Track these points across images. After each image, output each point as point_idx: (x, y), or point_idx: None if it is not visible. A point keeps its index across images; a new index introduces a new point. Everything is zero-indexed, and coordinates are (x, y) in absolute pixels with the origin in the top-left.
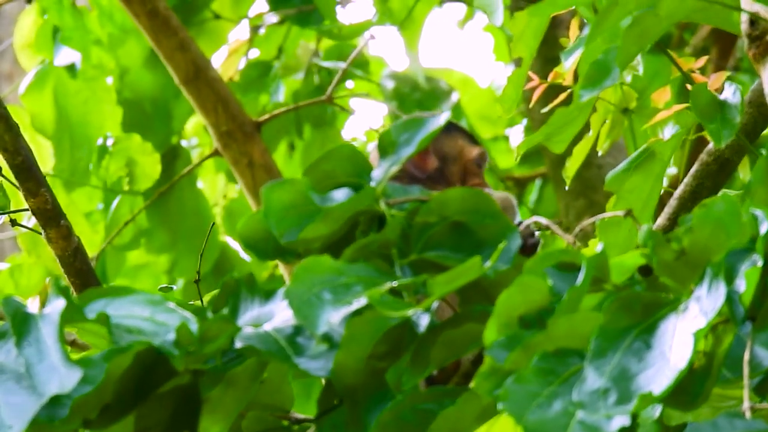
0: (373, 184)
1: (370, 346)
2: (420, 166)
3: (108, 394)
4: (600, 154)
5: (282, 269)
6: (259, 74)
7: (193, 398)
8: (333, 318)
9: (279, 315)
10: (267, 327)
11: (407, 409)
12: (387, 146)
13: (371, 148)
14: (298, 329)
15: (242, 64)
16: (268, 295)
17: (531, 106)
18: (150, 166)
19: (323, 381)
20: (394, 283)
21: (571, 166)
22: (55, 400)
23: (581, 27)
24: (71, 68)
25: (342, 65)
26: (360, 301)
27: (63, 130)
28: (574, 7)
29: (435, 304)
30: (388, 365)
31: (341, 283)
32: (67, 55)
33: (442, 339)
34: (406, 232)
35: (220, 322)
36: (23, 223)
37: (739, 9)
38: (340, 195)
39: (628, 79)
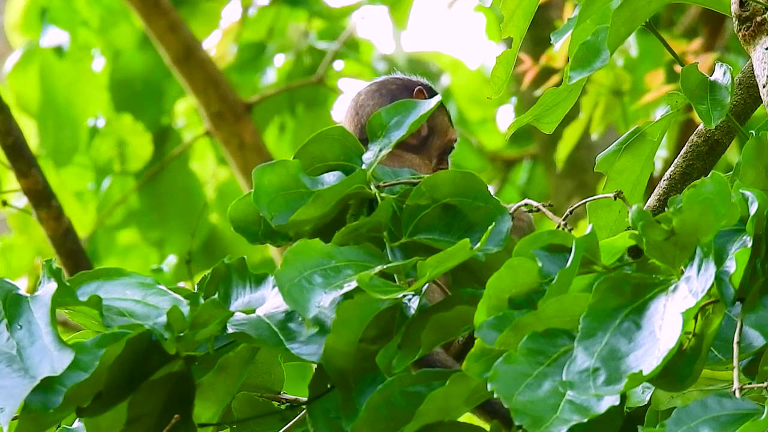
0: (363, 166)
1: (361, 329)
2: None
3: (101, 382)
4: (594, 137)
5: (273, 251)
6: (253, 56)
7: (186, 385)
8: (323, 302)
9: (270, 300)
10: (259, 312)
11: (397, 392)
12: (377, 129)
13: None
14: (289, 315)
15: (232, 45)
16: (258, 280)
17: (523, 88)
18: (141, 147)
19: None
20: (384, 266)
21: (563, 149)
22: (49, 388)
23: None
24: (58, 49)
25: (333, 46)
26: (350, 285)
27: (48, 110)
28: None
29: (425, 287)
30: (380, 349)
31: (332, 267)
32: (54, 36)
33: (432, 321)
34: (397, 215)
35: (212, 307)
36: (14, 203)
37: None
38: (331, 178)
39: (620, 62)
